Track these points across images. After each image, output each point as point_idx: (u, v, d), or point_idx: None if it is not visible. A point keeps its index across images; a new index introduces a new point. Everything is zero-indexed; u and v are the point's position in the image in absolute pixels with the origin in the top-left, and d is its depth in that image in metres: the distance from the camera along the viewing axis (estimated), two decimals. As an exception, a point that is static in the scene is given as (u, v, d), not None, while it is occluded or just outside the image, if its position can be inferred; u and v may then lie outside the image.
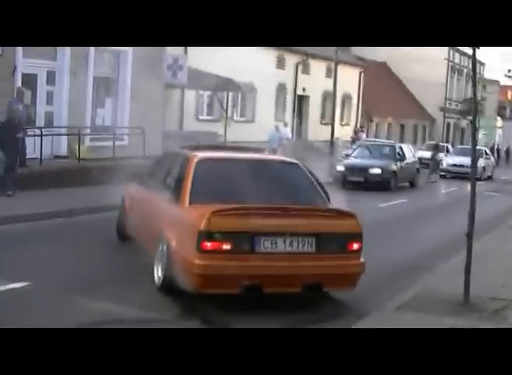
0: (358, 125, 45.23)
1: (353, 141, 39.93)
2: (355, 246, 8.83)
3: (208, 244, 8.24)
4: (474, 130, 8.96)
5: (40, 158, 19.43)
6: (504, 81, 48.58)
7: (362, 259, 8.98)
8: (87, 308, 8.41)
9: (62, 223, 14.53)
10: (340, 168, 27.88)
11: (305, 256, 8.60)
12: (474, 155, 9.02)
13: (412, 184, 30.34)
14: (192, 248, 8.33)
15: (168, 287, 9.03)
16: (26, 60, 20.57)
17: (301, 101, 43.21)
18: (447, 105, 63.93)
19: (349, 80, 46.04)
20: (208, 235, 8.23)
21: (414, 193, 28.07)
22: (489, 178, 38.41)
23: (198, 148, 10.82)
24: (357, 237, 8.85)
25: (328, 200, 9.74)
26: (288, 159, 10.53)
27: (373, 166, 27.43)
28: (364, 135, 45.42)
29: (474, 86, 9.03)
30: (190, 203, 9.00)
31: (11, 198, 16.36)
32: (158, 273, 9.36)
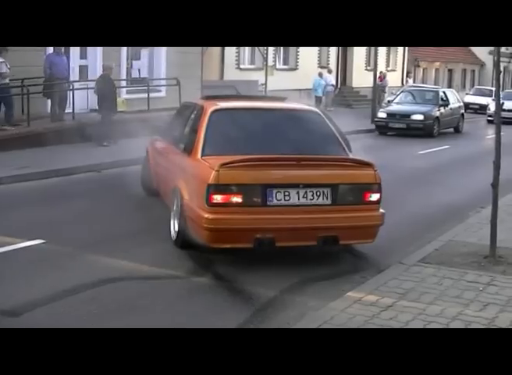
0: (383, 70, 41.76)
1: (378, 87, 38.17)
2: (373, 197, 8.45)
3: (218, 198, 7.96)
4: (499, 71, 8.48)
5: (73, 112, 19.28)
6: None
7: (381, 210, 8.60)
8: (99, 265, 8.30)
9: (90, 177, 14.42)
10: (382, 115, 27.38)
11: (320, 208, 8.26)
12: (498, 97, 8.58)
13: (456, 130, 29.72)
14: (202, 201, 8.08)
15: (183, 242, 8.84)
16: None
17: (345, 48, 42.40)
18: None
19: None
20: (217, 188, 7.95)
21: (457, 139, 27.37)
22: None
23: (215, 98, 10.47)
24: (375, 187, 8.46)
25: (349, 150, 9.36)
26: (307, 108, 10.14)
27: (415, 112, 26.90)
28: (410, 81, 44.61)
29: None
30: (203, 155, 8.71)
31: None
32: (174, 228, 9.17)
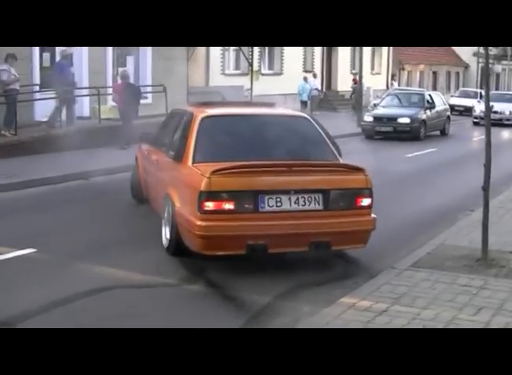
0: (356, 73, 39.42)
1: (354, 91, 37.24)
2: (365, 202, 8.46)
3: (210, 205, 7.95)
4: (488, 75, 8.52)
5: (60, 120, 19.26)
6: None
7: (373, 215, 8.61)
8: (92, 274, 8.27)
9: (78, 185, 14.39)
10: (368, 118, 27.38)
11: (312, 214, 8.26)
12: (488, 100, 8.61)
13: (443, 133, 29.78)
14: (194, 208, 8.07)
15: (176, 250, 8.83)
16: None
17: (330, 52, 42.56)
18: (481, 50, 62.38)
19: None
20: (209, 195, 7.94)
21: (444, 141, 27.47)
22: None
23: (205, 104, 10.46)
24: (367, 192, 8.48)
25: (339, 155, 9.38)
26: (297, 113, 10.18)
27: (401, 116, 26.93)
28: (395, 84, 44.72)
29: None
30: (194, 162, 8.71)
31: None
32: (165, 235, 9.15)
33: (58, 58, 21.02)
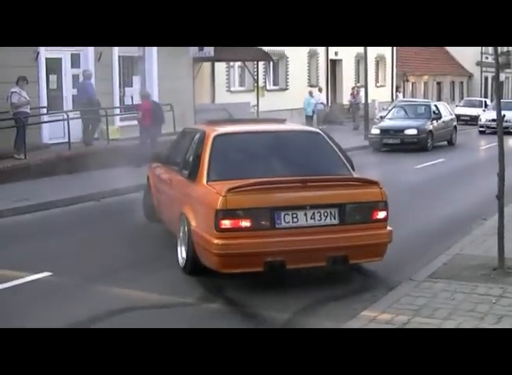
0: (356, 85, 40.40)
1: (351, 104, 37.78)
2: (380, 215, 8.46)
3: (226, 223, 7.96)
4: (498, 84, 8.54)
5: (69, 142, 19.26)
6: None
7: (389, 228, 8.61)
8: (109, 296, 8.29)
9: (90, 207, 14.41)
10: (375, 131, 27.35)
11: (328, 228, 8.27)
12: (499, 109, 8.64)
13: (450, 143, 29.74)
14: (210, 227, 8.07)
15: (192, 269, 8.83)
16: (49, 44, 20.50)
17: (334, 66, 42.64)
18: (484, 59, 62.42)
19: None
20: (226, 213, 7.95)
21: (451, 151, 27.40)
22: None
23: (216, 122, 10.49)
24: (382, 205, 8.48)
25: (353, 169, 9.39)
26: (309, 129, 10.21)
27: (408, 127, 26.90)
28: (400, 95, 44.70)
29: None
30: (208, 181, 8.72)
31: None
32: (181, 254, 9.15)
33: (67, 78, 21.27)
